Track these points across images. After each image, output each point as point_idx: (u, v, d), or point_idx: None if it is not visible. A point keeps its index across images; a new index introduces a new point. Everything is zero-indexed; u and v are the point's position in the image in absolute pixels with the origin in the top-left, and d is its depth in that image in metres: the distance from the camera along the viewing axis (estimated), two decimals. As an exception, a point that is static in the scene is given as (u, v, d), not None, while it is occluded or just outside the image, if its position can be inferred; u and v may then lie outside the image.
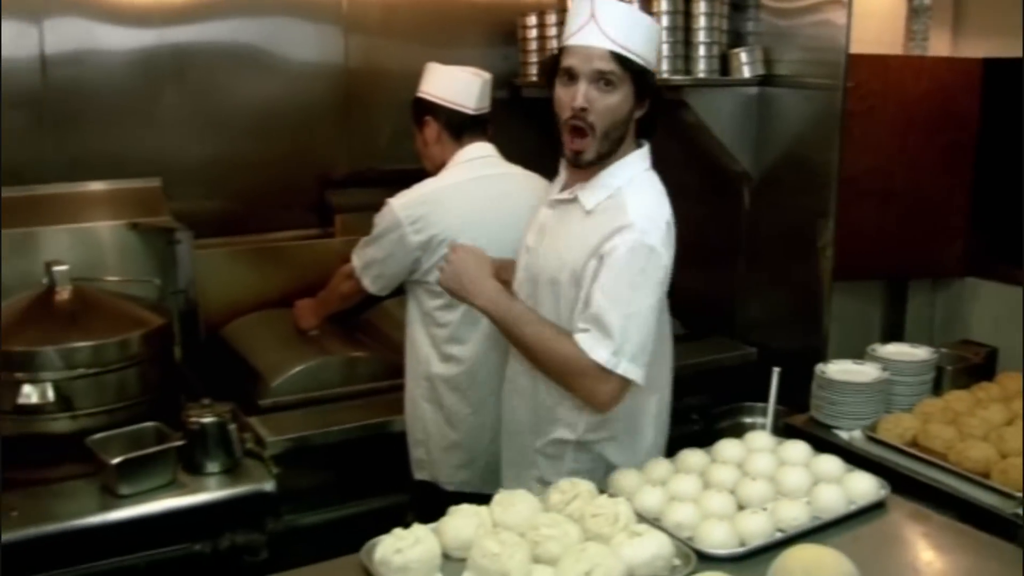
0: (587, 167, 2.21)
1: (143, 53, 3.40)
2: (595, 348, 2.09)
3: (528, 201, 2.60)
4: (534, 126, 3.17)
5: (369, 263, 2.74)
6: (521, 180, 2.80)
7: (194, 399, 2.62)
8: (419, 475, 2.78)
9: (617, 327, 2.09)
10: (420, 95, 2.82)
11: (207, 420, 2.53)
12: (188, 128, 3.52)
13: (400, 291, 2.82)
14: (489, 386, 2.62)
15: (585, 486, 2.04)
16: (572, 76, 2.14)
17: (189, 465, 2.55)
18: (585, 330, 2.11)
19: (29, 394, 2.55)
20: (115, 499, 2.44)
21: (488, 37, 3.94)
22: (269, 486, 2.55)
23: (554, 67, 2.21)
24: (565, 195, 2.28)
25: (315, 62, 3.71)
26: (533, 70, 3.81)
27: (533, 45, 3.81)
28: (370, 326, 3.41)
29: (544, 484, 2.21)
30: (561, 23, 3.64)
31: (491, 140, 2.83)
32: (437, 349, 2.69)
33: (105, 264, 3.15)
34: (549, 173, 2.48)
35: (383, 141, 3.79)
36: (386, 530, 1.92)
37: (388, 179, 3.22)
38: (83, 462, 2.54)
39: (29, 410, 2.56)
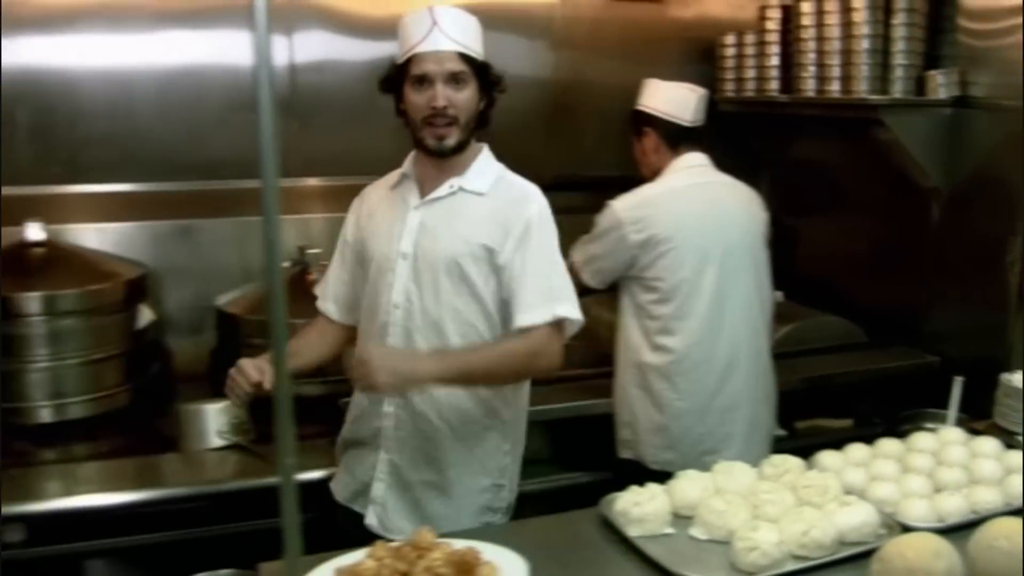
0: (450, 155, 2.35)
1: (375, 64, 3.76)
2: (541, 313, 2.30)
3: (737, 207, 2.87)
4: (729, 139, 3.42)
5: (590, 259, 3.02)
6: (731, 188, 3.06)
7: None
8: (624, 454, 3.04)
9: (557, 284, 2.35)
10: (640, 108, 3.10)
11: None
12: (393, 136, 3.87)
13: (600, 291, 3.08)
14: (695, 374, 2.89)
15: (794, 462, 2.28)
16: (425, 80, 2.29)
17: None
18: (523, 309, 2.30)
19: (290, 360, 2.93)
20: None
21: (687, 54, 4.18)
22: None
23: (398, 75, 2.35)
24: (443, 191, 2.39)
25: (524, 74, 4.00)
26: (729, 87, 4.06)
27: (730, 63, 4.06)
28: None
29: None
30: (761, 43, 3.89)
31: (706, 151, 3.08)
32: (648, 339, 2.95)
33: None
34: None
35: (586, 149, 4.07)
36: (592, 503, 2.21)
37: (591, 184, 3.51)
38: (331, 423, 2.91)
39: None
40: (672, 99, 3.06)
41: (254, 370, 2.35)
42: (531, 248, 2.33)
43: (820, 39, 3.60)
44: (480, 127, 2.41)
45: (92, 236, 3.32)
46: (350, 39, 3.74)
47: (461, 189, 2.39)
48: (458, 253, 2.34)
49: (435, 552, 1.81)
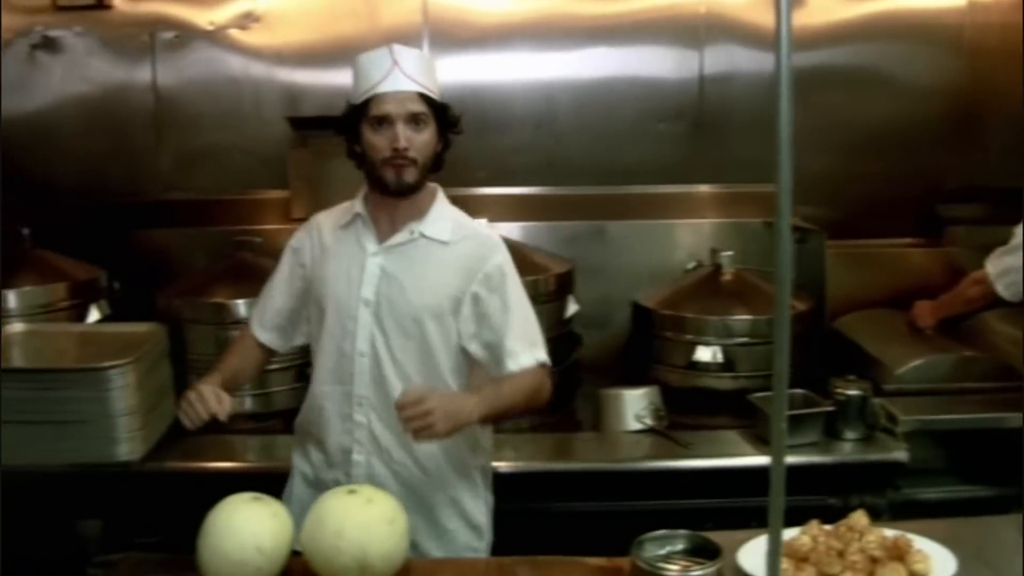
0: (407, 194, 2.31)
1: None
2: (533, 356, 2.36)
3: None
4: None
5: (1005, 271, 2.99)
6: None
7: (837, 374, 3.05)
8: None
9: (535, 329, 2.40)
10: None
11: (852, 392, 2.95)
12: (807, 142, 3.96)
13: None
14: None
15: None
16: (385, 121, 2.25)
17: (829, 429, 2.97)
18: (516, 353, 2.33)
19: (701, 355, 3.14)
20: (768, 448, 2.92)
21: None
22: (901, 456, 2.90)
23: (356, 117, 2.30)
24: (402, 237, 2.35)
25: (930, 83, 4.00)
26: None
27: None
28: (973, 331, 3.64)
29: None
30: None
31: None
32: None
33: (745, 254, 3.64)
34: None
35: (995, 158, 3.98)
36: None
37: (999, 194, 3.44)
38: (737, 416, 3.08)
39: (699, 367, 3.15)
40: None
41: (213, 399, 2.26)
42: (509, 295, 2.38)
43: None
44: (434, 170, 2.37)
45: (519, 233, 3.67)
46: (754, 52, 3.89)
47: (422, 235, 2.36)
48: (426, 304, 2.34)
49: (870, 535, 1.92)
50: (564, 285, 3.37)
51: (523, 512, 2.86)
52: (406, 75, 2.25)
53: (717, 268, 3.34)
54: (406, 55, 2.28)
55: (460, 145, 3.70)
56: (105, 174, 3.94)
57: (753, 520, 2.08)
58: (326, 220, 2.50)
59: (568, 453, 3.02)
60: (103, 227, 3.81)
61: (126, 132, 3.92)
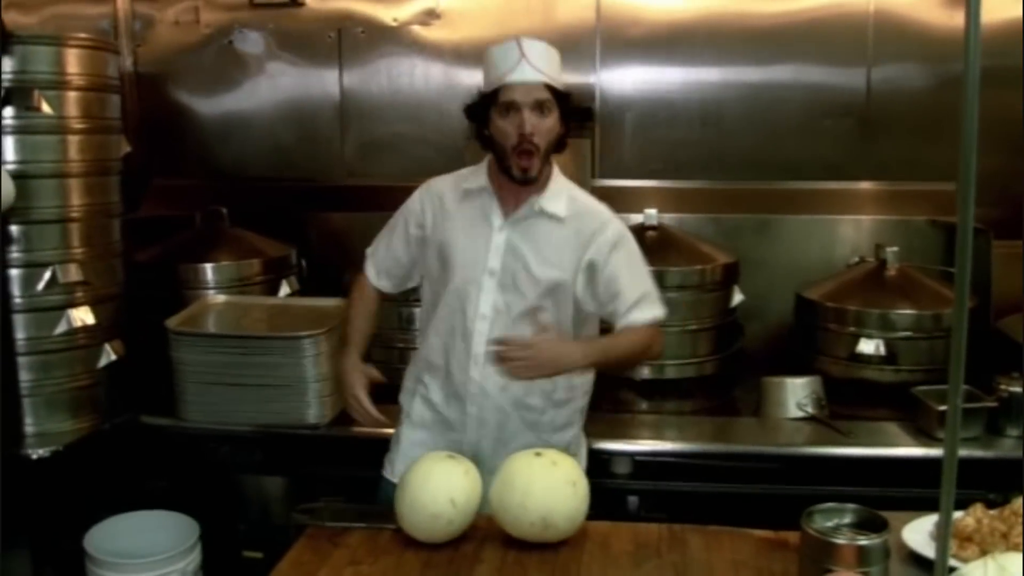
0: (532, 183, 2.50)
1: (951, 78, 3.90)
2: (648, 313, 2.56)
3: None
4: None
5: None
6: None
7: (1003, 371, 3.07)
8: None
9: (651, 289, 2.59)
10: None
11: (1015, 390, 2.97)
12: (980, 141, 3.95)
13: None
14: None
15: None
16: (513, 108, 2.43)
17: (991, 426, 2.99)
18: (631, 309, 2.54)
19: (864, 347, 3.20)
20: (929, 440, 2.97)
21: None
22: (1059, 456, 2.92)
23: (486, 104, 2.49)
24: (525, 211, 2.55)
25: None
26: None
27: None
28: None
29: None
30: None
31: None
32: None
33: (907, 251, 3.63)
34: None
35: None
36: None
37: None
38: (897, 408, 3.13)
39: (862, 359, 3.22)
40: None
41: (373, 411, 2.64)
42: (621, 260, 2.57)
43: None
44: (557, 151, 2.56)
45: (684, 224, 3.78)
46: (923, 49, 3.90)
47: (542, 210, 2.56)
48: (546, 276, 2.54)
49: (1035, 518, 1.99)
50: (730, 275, 3.47)
51: (684, 492, 3.00)
52: (532, 66, 2.44)
53: (881, 263, 3.39)
54: (533, 47, 2.47)
55: (627, 138, 3.90)
56: (293, 160, 4.22)
57: (910, 510, 2.19)
58: (445, 187, 2.70)
59: (730, 436, 3.12)
60: (290, 209, 4.09)
61: (313, 122, 4.19)
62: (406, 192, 4.06)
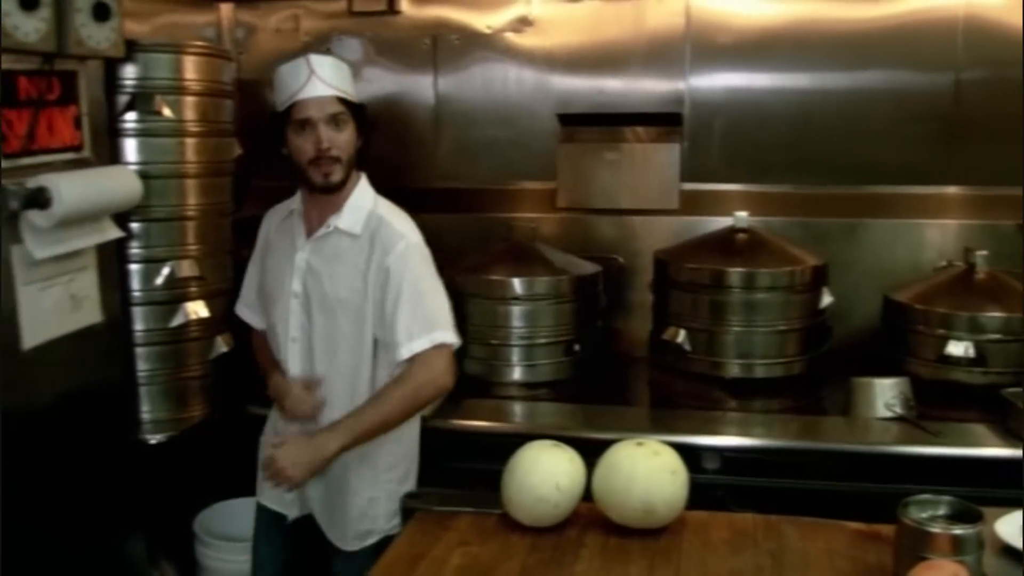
0: (335, 191, 2.53)
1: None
2: (421, 342, 2.50)
3: None
4: None
5: None
6: None
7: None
8: None
9: (434, 313, 2.53)
10: None
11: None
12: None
13: None
14: None
15: None
16: (308, 124, 2.47)
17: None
18: (403, 341, 2.49)
19: (953, 349, 3.25)
20: (1018, 441, 3.00)
21: None
22: None
23: (281, 123, 2.51)
24: (321, 231, 2.57)
25: None
26: None
27: None
28: None
29: None
30: None
31: None
32: None
33: (995, 256, 3.57)
34: None
35: None
36: None
37: None
38: (985, 410, 3.17)
39: (951, 361, 3.27)
40: None
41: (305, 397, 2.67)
42: (404, 282, 2.51)
43: None
44: (358, 164, 2.60)
45: (773, 227, 3.84)
46: (1014, 52, 3.89)
47: (336, 228, 2.57)
48: (339, 296, 2.55)
49: None
50: (819, 277, 3.53)
51: (771, 488, 3.07)
52: (324, 81, 2.48)
53: (970, 267, 3.43)
54: (322, 63, 2.52)
55: (715, 143, 3.97)
56: (388, 162, 4.34)
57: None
58: (276, 214, 2.78)
59: (818, 434, 3.19)
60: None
61: (407, 126, 4.31)
62: (495, 194, 4.24)
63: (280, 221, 2.74)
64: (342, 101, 2.50)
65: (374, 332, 2.57)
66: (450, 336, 2.57)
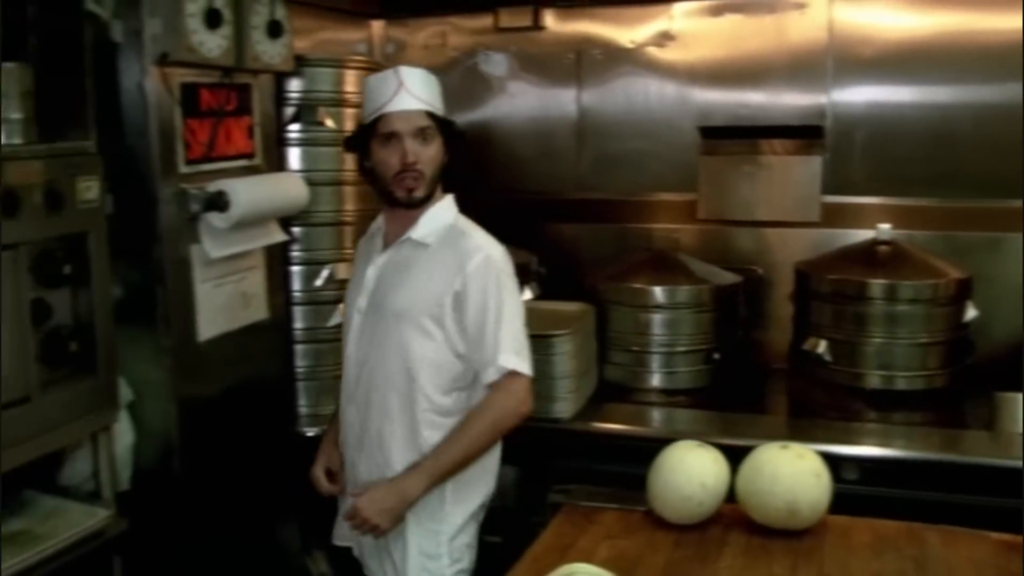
0: (418, 206, 2.46)
1: None
2: (493, 373, 2.39)
3: None
4: None
5: None
6: None
7: None
8: None
9: (519, 334, 2.42)
10: None
11: None
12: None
13: None
14: None
15: None
16: (394, 137, 2.40)
17: None
18: (491, 358, 2.38)
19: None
20: None
21: None
22: None
23: (365, 134, 2.46)
24: (396, 244, 2.51)
25: None
26: None
27: None
28: None
29: None
30: None
31: None
32: None
33: None
34: None
35: None
36: None
37: None
38: None
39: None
40: None
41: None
42: (482, 297, 2.39)
43: None
44: (444, 181, 2.52)
45: (914, 240, 3.82)
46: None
47: (409, 239, 2.48)
48: (402, 307, 2.44)
49: None
50: (963, 291, 3.51)
51: (911, 499, 3.07)
52: (413, 95, 2.42)
53: None
54: (412, 76, 2.45)
55: (857, 156, 3.98)
56: (531, 173, 4.48)
57: None
58: (363, 237, 2.74)
59: (959, 447, 3.18)
60: (527, 220, 4.35)
61: (550, 138, 4.44)
62: (635, 205, 4.33)
63: (365, 243, 2.70)
64: (430, 115, 2.45)
65: (449, 345, 2.45)
66: (519, 363, 2.44)
